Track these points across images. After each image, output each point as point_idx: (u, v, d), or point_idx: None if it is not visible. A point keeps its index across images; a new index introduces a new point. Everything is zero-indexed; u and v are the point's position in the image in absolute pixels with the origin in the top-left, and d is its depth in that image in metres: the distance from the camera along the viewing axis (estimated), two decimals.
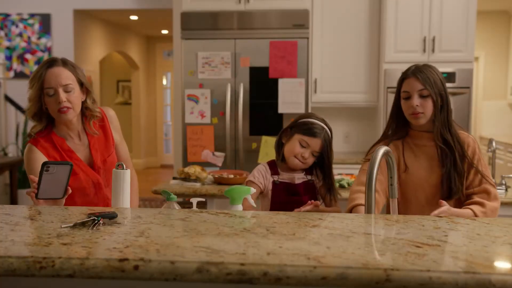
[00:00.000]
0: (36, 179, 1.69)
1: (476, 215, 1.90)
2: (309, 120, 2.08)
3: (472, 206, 1.94)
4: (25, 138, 5.89)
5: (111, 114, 2.12)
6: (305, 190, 2.09)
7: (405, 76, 2.02)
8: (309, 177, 2.12)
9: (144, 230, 1.34)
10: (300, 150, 2.05)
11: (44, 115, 1.96)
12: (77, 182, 1.95)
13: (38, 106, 1.92)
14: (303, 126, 2.07)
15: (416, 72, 1.98)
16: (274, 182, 2.09)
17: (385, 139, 2.09)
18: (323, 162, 2.10)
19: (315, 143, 2.04)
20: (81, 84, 1.97)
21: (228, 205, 1.81)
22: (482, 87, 7.52)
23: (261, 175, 2.10)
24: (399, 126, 2.07)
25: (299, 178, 2.10)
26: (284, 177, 2.10)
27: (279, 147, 2.15)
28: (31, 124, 2.07)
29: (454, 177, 1.97)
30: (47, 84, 1.88)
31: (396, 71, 4.23)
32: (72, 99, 1.91)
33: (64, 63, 1.93)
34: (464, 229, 1.41)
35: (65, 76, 1.90)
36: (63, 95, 1.88)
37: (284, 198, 2.07)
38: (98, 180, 2.02)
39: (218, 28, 4.32)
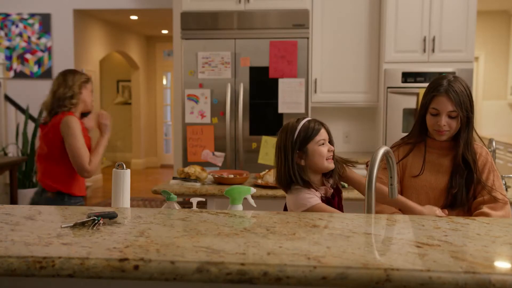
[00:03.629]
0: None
1: None
2: (305, 125, 1.96)
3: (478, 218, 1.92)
4: (25, 138, 5.90)
5: None
6: (337, 195, 2.06)
7: (437, 93, 1.95)
8: (331, 181, 2.04)
9: (144, 230, 1.34)
10: (326, 149, 1.94)
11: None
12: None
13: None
14: (308, 133, 1.95)
15: (449, 90, 1.92)
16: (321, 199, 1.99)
17: (406, 143, 2.09)
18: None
19: (326, 134, 1.98)
20: None
21: (228, 205, 1.81)
22: (482, 87, 7.51)
23: (314, 195, 1.96)
24: (421, 134, 2.07)
25: (330, 188, 2.04)
26: (322, 191, 2.01)
27: (298, 171, 1.94)
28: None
29: (462, 191, 1.97)
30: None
31: (396, 71, 4.24)
32: None
33: None
34: (464, 229, 1.41)
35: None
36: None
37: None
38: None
39: (218, 28, 4.32)
